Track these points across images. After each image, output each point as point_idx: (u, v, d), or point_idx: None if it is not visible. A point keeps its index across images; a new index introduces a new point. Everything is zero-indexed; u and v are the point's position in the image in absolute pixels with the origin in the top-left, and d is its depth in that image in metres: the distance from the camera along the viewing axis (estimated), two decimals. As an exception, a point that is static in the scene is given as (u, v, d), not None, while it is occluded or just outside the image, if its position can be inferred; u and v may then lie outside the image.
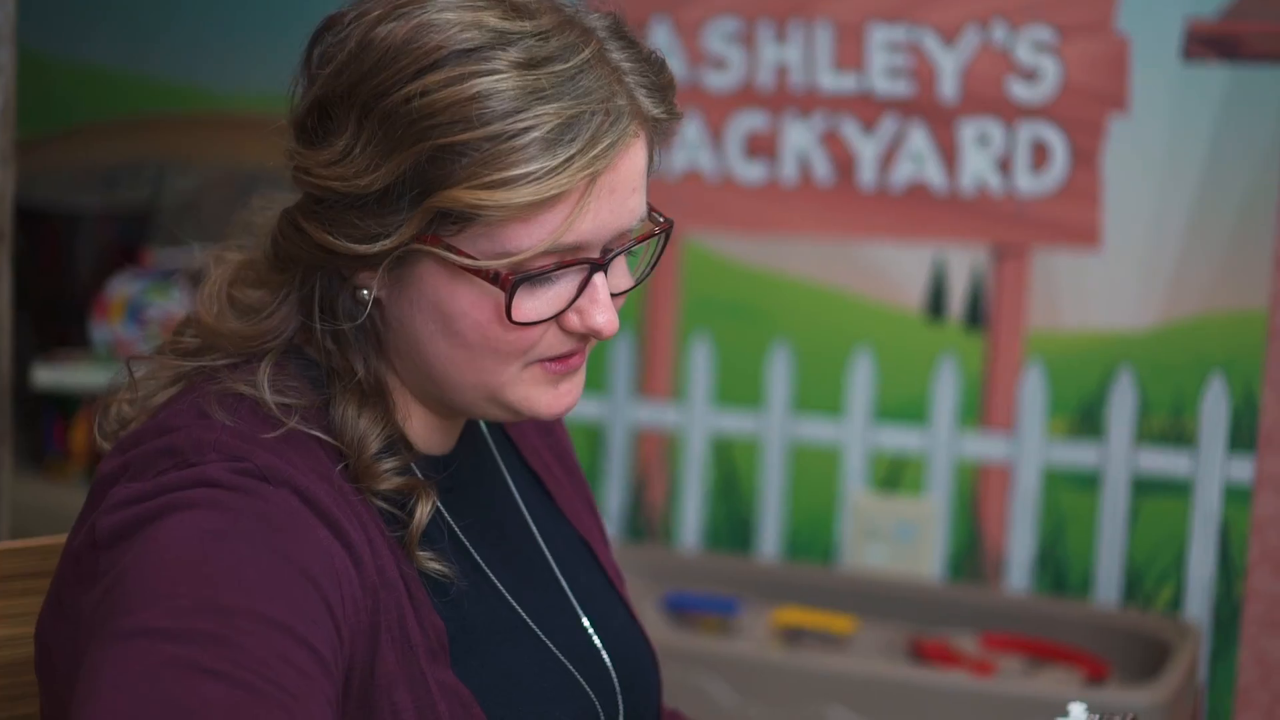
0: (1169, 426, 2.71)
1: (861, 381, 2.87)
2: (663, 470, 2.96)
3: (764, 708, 2.37)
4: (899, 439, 2.86)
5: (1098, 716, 1.15)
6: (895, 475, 2.87)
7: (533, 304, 0.91)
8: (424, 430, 0.99)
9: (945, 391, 2.83)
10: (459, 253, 0.89)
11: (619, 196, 0.93)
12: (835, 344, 2.89)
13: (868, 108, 2.75)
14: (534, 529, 1.06)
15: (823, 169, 2.79)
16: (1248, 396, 2.65)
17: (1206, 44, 2.57)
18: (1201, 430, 2.68)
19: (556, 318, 0.92)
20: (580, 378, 0.96)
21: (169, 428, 0.91)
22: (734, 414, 2.94)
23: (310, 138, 0.91)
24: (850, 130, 2.77)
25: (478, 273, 0.90)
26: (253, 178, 3.04)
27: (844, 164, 2.78)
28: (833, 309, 2.88)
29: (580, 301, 0.94)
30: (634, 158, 0.92)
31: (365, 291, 0.93)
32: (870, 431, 2.87)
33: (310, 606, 0.83)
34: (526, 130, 0.88)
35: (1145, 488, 2.72)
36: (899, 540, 2.86)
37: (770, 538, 2.93)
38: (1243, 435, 2.66)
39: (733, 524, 2.95)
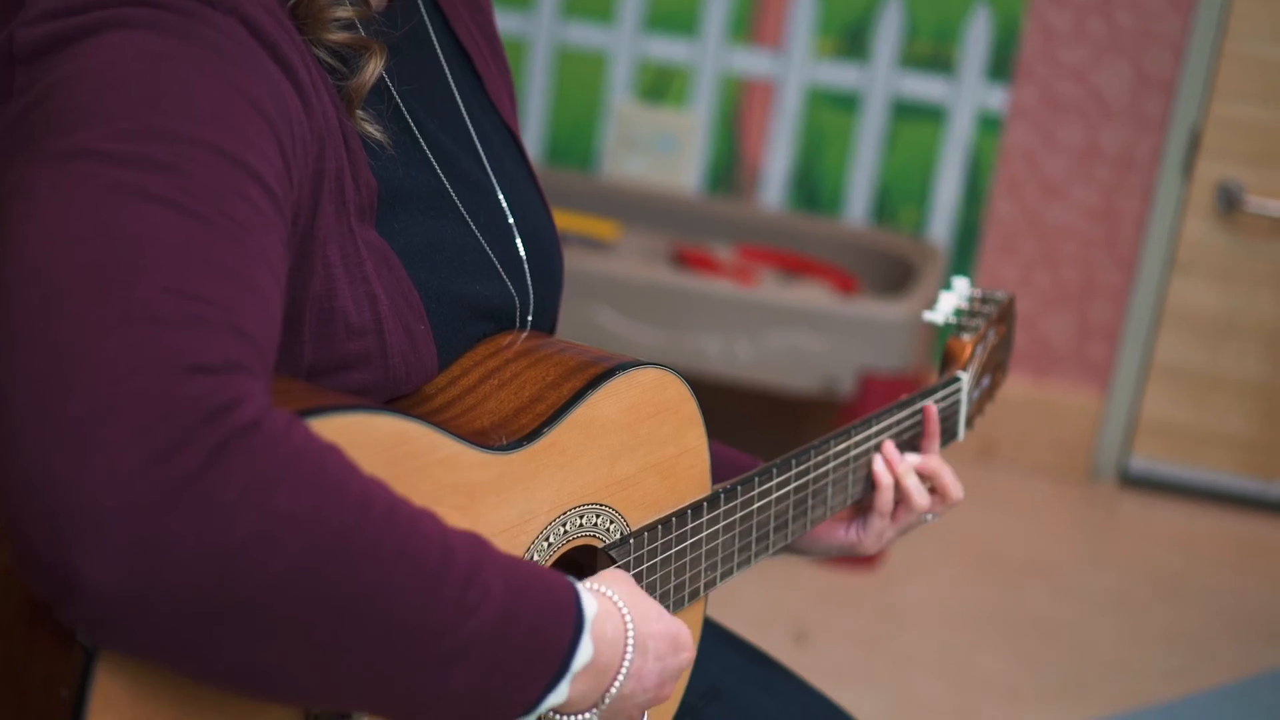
0: (932, 52, 2.76)
1: (633, -12, 2.84)
2: (425, 68, 2.90)
3: (531, 307, 2.40)
4: (667, 50, 2.85)
5: (979, 290, 1.24)
6: (661, 86, 2.87)
7: None
8: None
9: (717, 4, 2.81)
10: None
11: None
12: (610, -52, 2.83)
13: None
14: (463, 108, 1.02)
15: None
16: (1009, 27, 2.71)
17: None
18: (962, 58, 2.75)
19: None
20: None
21: None
22: (501, 15, 2.87)
23: None
24: None
25: None
26: None
27: None
28: (609, -89, 2.81)
29: None
30: None
31: None
32: (639, 40, 2.85)
33: (263, 142, 0.77)
34: None
35: (903, 111, 2.79)
36: (660, 151, 2.88)
37: (531, 142, 2.91)
38: (1002, 66, 2.73)
39: (494, 126, 2.92)
